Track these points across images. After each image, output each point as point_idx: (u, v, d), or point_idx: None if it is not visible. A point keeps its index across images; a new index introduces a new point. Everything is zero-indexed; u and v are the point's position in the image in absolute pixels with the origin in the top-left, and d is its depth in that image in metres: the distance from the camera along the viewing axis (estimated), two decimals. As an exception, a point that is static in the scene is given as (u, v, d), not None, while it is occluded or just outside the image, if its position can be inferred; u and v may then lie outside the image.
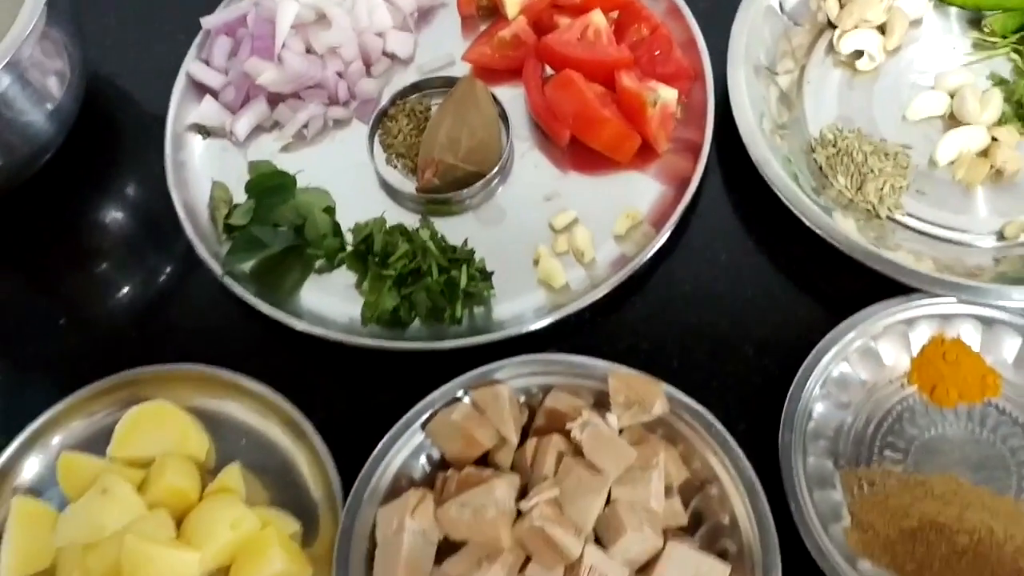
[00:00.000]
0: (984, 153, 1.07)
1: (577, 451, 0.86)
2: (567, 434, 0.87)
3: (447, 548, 0.85)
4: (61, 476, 0.95)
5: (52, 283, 1.14)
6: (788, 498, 0.89)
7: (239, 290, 1.04)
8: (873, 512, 0.90)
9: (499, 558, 0.81)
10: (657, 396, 0.88)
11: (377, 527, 0.87)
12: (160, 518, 0.90)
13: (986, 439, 0.94)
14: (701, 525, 0.89)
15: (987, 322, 0.97)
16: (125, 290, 1.13)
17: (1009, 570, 0.85)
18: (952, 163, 1.07)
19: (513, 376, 0.92)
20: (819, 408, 0.94)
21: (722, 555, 0.85)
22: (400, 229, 1.05)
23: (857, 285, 0.99)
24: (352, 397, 1.02)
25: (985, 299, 0.96)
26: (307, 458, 0.97)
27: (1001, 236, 1.03)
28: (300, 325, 1.02)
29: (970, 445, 0.94)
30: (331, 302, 1.05)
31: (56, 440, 1.00)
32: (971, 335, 0.97)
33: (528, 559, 0.83)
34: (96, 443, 0.99)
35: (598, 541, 0.84)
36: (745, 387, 0.99)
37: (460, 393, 0.92)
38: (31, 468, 0.99)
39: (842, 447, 0.94)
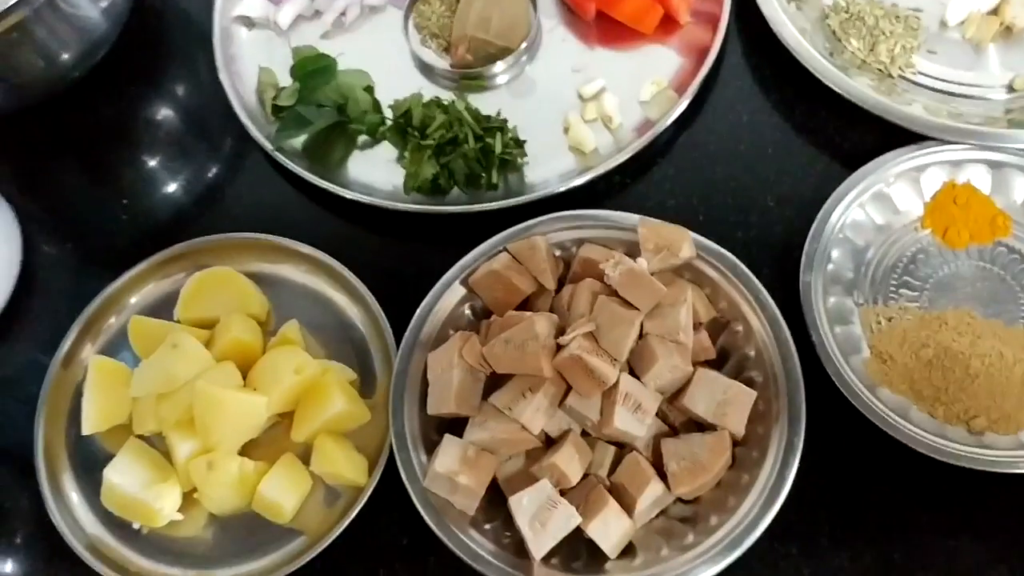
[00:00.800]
0: (994, 11, 1.09)
1: (610, 292, 0.89)
2: (601, 277, 0.90)
3: (493, 386, 0.88)
4: (133, 337, 1.00)
5: (114, 168, 1.18)
6: (810, 332, 0.92)
7: (291, 165, 1.08)
8: (892, 344, 0.93)
9: (541, 388, 0.85)
10: (685, 241, 0.91)
11: (428, 370, 0.90)
12: (228, 369, 0.95)
13: (997, 275, 0.97)
14: (728, 360, 0.93)
15: (996, 166, 0.99)
16: (184, 171, 1.17)
17: (1019, 390, 0.89)
18: (962, 23, 1.10)
19: (548, 231, 0.96)
20: (837, 252, 0.97)
21: (749, 384, 0.88)
22: (436, 102, 1.08)
23: (870, 139, 1.03)
24: (399, 259, 1.06)
25: (999, 143, 0.99)
26: (360, 314, 1.01)
27: (1011, 89, 1.06)
28: (348, 194, 1.06)
29: (982, 282, 0.97)
30: (375, 173, 1.09)
31: (127, 304, 1.05)
32: (981, 179, 0.99)
33: (567, 391, 0.87)
34: (162, 310, 1.04)
35: (632, 373, 0.87)
36: (767, 236, 1.02)
37: (499, 249, 0.96)
38: (104, 332, 1.04)
39: (860, 287, 0.97)
